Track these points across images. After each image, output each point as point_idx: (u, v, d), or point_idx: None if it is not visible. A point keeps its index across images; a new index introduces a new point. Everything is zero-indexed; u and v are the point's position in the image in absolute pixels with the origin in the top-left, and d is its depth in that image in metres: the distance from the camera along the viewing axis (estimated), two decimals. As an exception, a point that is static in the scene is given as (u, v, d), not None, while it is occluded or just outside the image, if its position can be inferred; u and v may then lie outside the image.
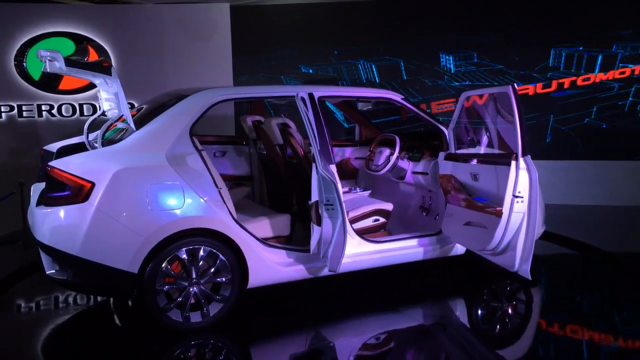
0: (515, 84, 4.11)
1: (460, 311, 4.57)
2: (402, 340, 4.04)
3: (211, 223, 3.83)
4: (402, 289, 4.89)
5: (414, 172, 5.35)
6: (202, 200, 3.81)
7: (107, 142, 4.04)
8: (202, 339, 3.84)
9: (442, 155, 4.98)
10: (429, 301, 4.70)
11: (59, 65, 3.62)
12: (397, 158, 5.31)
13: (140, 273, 3.63)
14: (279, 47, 8.49)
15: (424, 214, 5.53)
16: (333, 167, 4.02)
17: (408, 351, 3.92)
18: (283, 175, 5.12)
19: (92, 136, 4.50)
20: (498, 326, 4.30)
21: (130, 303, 4.52)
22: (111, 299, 4.59)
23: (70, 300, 4.69)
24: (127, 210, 3.58)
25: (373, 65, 8.47)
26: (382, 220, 4.96)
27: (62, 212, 3.53)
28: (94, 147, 4.29)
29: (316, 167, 4.02)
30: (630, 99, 7.89)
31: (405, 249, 4.75)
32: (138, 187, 3.62)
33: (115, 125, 4.37)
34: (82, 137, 4.59)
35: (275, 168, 5.21)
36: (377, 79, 8.46)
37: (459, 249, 4.95)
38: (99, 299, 4.63)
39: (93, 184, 3.51)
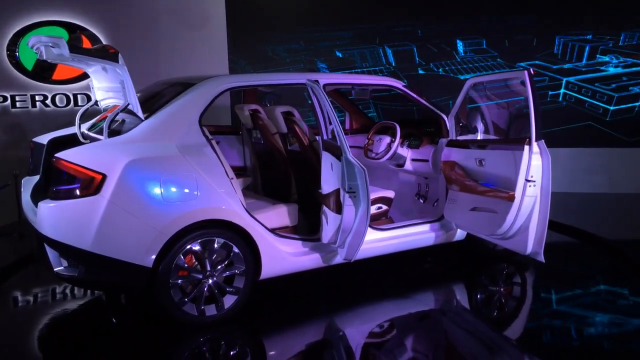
0: (531, 69, 3.86)
1: (466, 294, 4.46)
2: (415, 325, 3.89)
3: (225, 214, 3.54)
4: (403, 276, 4.71)
5: (413, 160, 5.11)
6: (215, 191, 3.50)
7: (99, 132, 3.68)
8: (217, 332, 3.57)
9: (443, 141, 4.79)
10: (433, 286, 4.57)
11: (59, 52, 3.23)
12: (398, 145, 5.02)
13: (155, 267, 3.31)
14: (275, 34, 8.13)
15: (421, 200, 5.33)
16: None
17: (424, 334, 3.75)
18: (282, 164, 4.78)
19: (83, 127, 4.13)
20: (500, 308, 4.19)
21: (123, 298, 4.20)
22: (104, 293, 4.26)
23: (68, 292, 4.40)
24: (141, 202, 3.26)
25: (366, 52, 8.11)
26: (384, 207, 4.72)
27: (71, 205, 3.19)
28: (86, 138, 3.92)
29: (335, 155, 3.74)
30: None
31: (411, 235, 4.56)
32: (151, 178, 3.30)
33: (106, 116, 4.00)
34: (73, 128, 4.22)
35: (272, 158, 4.87)
36: (381, 63, 8.10)
37: (460, 234, 4.77)
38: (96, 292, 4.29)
39: (104, 176, 3.16)
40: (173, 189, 3.36)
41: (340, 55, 8.14)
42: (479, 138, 4.81)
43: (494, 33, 7.92)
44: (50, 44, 3.29)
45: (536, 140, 3.90)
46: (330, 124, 3.86)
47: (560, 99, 7.85)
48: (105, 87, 4.00)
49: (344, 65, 8.09)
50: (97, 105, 4.16)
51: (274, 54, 8.16)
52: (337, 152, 3.73)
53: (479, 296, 4.40)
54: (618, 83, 7.68)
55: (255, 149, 5.24)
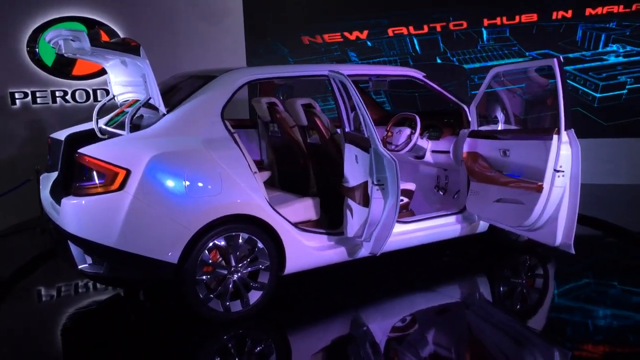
0: (560, 57, 3.68)
1: (488, 287, 4.34)
2: (440, 318, 3.79)
3: (250, 209, 3.42)
4: (425, 269, 4.58)
5: (433, 151, 4.92)
6: (240, 185, 3.36)
7: (117, 126, 3.56)
8: (242, 329, 3.45)
9: (464, 132, 4.61)
10: (457, 279, 4.43)
11: (79, 46, 3.09)
12: (418, 137, 4.84)
13: (180, 263, 3.17)
14: (293, 28, 7.90)
15: (441, 192, 5.16)
16: None
17: (449, 328, 3.64)
18: (300, 157, 4.63)
19: (101, 122, 3.99)
20: (524, 300, 4.08)
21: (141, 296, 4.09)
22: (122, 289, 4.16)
23: (90, 286, 4.31)
24: (165, 197, 3.14)
25: (383, 42, 7.88)
26: (405, 200, 4.57)
27: (95, 201, 3.07)
28: (104, 134, 3.80)
29: (361, 147, 3.59)
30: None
31: (434, 228, 4.42)
32: (176, 173, 3.18)
33: (122, 111, 3.94)
34: (90, 124, 4.11)
35: (289, 151, 4.71)
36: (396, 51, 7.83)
37: (483, 226, 4.62)
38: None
39: (129, 171, 3.04)
40: (198, 184, 3.24)
41: (366, 43, 7.86)
42: (499, 128, 4.63)
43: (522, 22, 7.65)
44: (70, 38, 3.18)
45: (565, 130, 3.73)
46: (351, 114, 3.70)
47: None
48: (123, 81, 3.88)
49: (365, 53, 7.86)
50: (114, 99, 4.02)
51: (293, 48, 7.98)
52: (363, 144, 3.57)
53: (501, 288, 4.28)
54: (609, 72, 7.48)
55: (272, 142, 5.08)
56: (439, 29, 7.75)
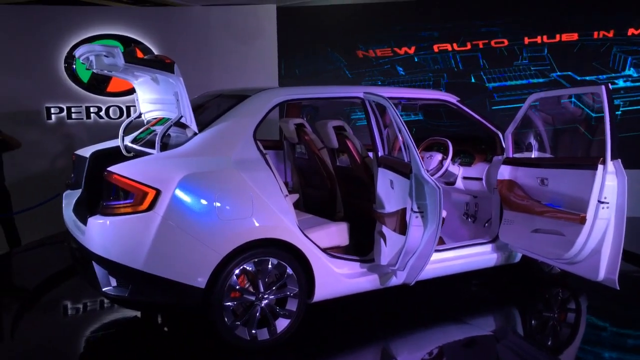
0: (609, 84, 3.41)
1: (520, 319, 4.08)
2: (472, 351, 3.56)
3: (281, 233, 3.21)
4: (454, 299, 4.30)
5: (464, 178, 4.63)
6: (271, 208, 3.14)
7: (145, 144, 3.43)
8: (269, 358, 3.20)
9: (498, 159, 4.35)
10: (487, 310, 4.15)
11: (112, 62, 2.94)
12: (450, 163, 4.58)
13: (208, 288, 2.96)
14: (325, 49, 7.76)
15: (470, 220, 4.85)
16: None
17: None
18: (328, 181, 4.39)
19: (127, 140, 3.84)
20: (555, 334, 3.84)
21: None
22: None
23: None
24: (195, 219, 2.95)
25: (429, 58, 7.76)
26: (437, 227, 4.24)
27: (123, 222, 2.88)
28: (129, 152, 3.62)
29: (399, 172, 3.35)
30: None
31: (468, 257, 4.15)
32: (207, 194, 2.98)
33: (148, 129, 3.80)
34: (115, 141, 3.96)
35: (316, 174, 4.49)
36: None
37: (516, 256, 4.33)
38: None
39: (159, 191, 2.84)
40: (228, 206, 3.04)
41: (413, 58, 7.73)
42: (533, 156, 4.36)
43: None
44: (104, 54, 3.03)
45: (612, 159, 3.46)
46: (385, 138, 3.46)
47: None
48: (151, 99, 3.72)
49: (410, 68, 7.74)
50: (141, 117, 3.85)
51: (324, 69, 7.83)
52: (401, 169, 3.34)
53: (532, 322, 4.02)
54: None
55: (298, 164, 4.87)
56: (481, 45, 7.63)
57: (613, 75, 7.20)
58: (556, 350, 3.54)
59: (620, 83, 7.18)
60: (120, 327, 3.76)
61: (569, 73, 7.31)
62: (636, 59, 7.09)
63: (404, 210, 3.29)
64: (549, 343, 3.65)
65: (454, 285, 4.44)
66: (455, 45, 7.70)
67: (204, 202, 2.96)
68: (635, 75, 7.12)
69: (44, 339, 3.47)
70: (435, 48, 7.73)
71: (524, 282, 4.55)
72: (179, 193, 2.89)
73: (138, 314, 3.89)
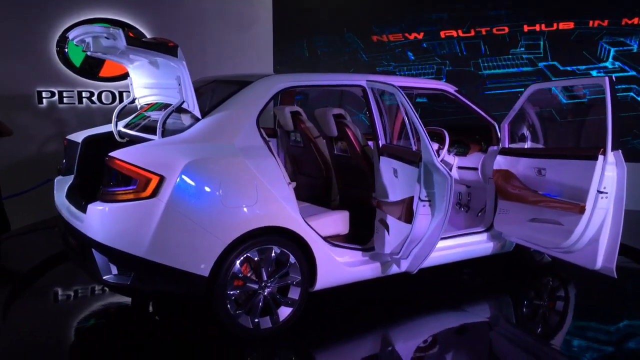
0: (612, 76, 3.34)
1: (515, 307, 4.05)
2: (474, 336, 3.54)
3: (285, 221, 3.11)
4: (449, 288, 4.25)
5: (459, 167, 4.57)
6: (275, 196, 3.03)
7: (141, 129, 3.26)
8: (270, 347, 3.13)
9: (493, 149, 4.31)
10: (484, 298, 4.11)
11: (111, 44, 2.76)
12: (446, 153, 4.50)
13: (212, 276, 2.84)
14: (321, 35, 7.65)
15: (464, 210, 4.79)
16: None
17: (479, 347, 3.40)
18: (324, 169, 4.28)
19: (120, 125, 3.68)
20: (548, 321, 3.84)
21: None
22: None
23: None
24: (200, 206, 2.83)
25: (435, 44, 7.74)
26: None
27: (125, 209, 2.74)
28: (123, 137, 3.48)
29: (405, 160, 3.26)
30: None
31: (465, 246, 4.10)
32: (211, 181, 2.86)
33: (141, 113, 3.65)
34: (108, 126, 3.80)
35: (311, 161, 4.37)
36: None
37: (509, 245, 4.31)
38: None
39: (162, 178, 2.69)
40: (233, 193, 2.92)
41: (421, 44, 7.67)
42: (526, 147, 4.31)
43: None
44: (105, 35, 2.85)
45: (612, 150, 3.42)
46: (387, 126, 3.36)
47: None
48: (147, 83, 3.56)
49: (419, 53, 7.68)
50: (135, 102, 3.69)
51: (321, 57, 7.70)
52: (407, 157, 3.25)
53: (524, 309, 4.00)
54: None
55: (293, 152, 4.74)
56: (483, 32, 7.61)
57: (592, 66, 7.18)
58: (547, 336, 3.55)
59: (594, 74, 7.12)
60: (115, 314, 3.64)
61: (555, 63, 7.28)
62: (619, 51, 7.08)
63: (410, 199, 3.20)
64: (539, 330, 3.65)
65: (452, 274, 4.40)
66: (460, 32, 7.70)
67: (208, 189, 2.84)
68: (609, 67, 7.09)
69: (35, 325, 3.35)
70: (442, 34, 7.75)
71: (517, 269, 4.55)
72: (183, 179, 2.76)
73: (130, 301, 3.77)
